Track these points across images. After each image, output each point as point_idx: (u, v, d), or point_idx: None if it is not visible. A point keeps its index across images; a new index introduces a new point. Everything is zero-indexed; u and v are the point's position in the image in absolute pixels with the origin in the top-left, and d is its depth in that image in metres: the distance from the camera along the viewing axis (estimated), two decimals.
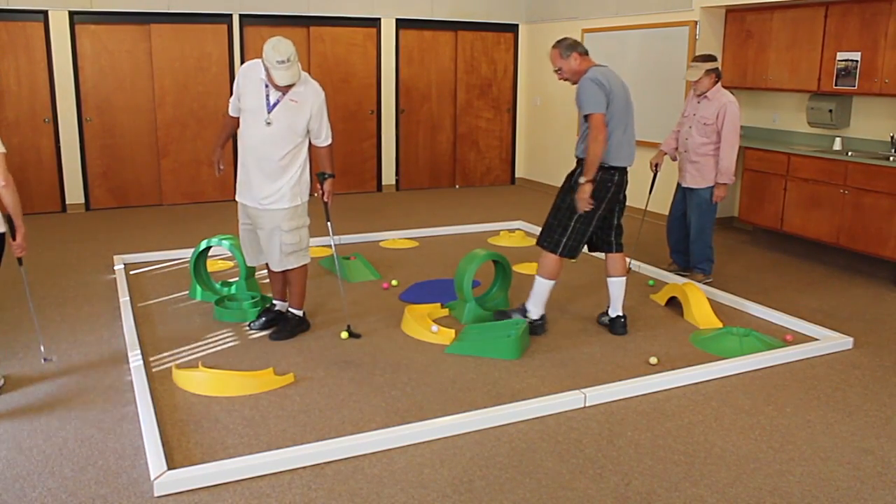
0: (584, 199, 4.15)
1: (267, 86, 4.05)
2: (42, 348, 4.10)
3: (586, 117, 4.12)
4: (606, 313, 4.60)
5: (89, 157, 8.00)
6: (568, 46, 4.22)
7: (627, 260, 5.83)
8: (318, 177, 4.30)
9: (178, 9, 8.00)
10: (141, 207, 8.26)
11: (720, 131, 5.26)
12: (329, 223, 4.52)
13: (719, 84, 5.36)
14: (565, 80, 4.30)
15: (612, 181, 4.23)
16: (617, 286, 4.49)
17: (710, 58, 5.36)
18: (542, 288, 4.40)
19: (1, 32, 7.44)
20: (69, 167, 7.92)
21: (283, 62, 3.87)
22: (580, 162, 4.23)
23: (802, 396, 3.71)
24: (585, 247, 4.46)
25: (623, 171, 4.28)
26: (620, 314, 4.53)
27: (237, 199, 4.30)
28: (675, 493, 2.85)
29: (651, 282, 5.57)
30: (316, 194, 4.34)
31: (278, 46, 3.88)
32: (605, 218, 4.38)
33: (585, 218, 4.26)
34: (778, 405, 3.61)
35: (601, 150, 4.08)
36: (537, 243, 4.43)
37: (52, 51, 7.64)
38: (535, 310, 4.45)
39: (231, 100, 4.27)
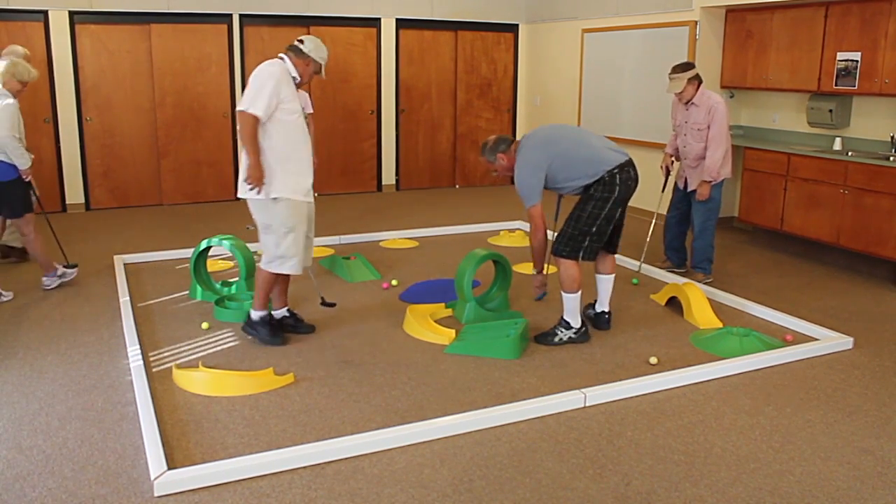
0: (538, 288, 4.41)
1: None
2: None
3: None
4: (593, 307, 4.62)
5: (89, 157, 8.01)
6: (491, 150, 4.28)
7: (637, 264, 5.84)
8: None
9: (178, 9, 8.00)
10: (141, 207, 8.26)
11: None
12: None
13: (702, 87, 5.37)
14: (505, 176, 4.46)
15: (616, 182, 4.15)
16: (608, 283, 4.51)
17: (689, 66, 5.33)
18: (573, 303, 4.30)
19: (1, 32, 7.43)
20: (69, 167, 7.92)
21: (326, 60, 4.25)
22: (600, 180, 4.16)
23: (802, 396, 3.71)
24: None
25: (623, 168, 4.18)
26: (607, 310, 4.55)
27: (303, 200, 4.11)
28: (675, 493, 2.85)
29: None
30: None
31: (322, 45, 4.19)
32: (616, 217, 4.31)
33: (605, 221, 4.20)
34: (778, 405, 3.61)
35: (540, 242, 4.23)
36: (553, 253, 4.31)
37: (52, 51, 7.64)
38: (573, 320, 4.34)
39: (266, 104, 3.94)
